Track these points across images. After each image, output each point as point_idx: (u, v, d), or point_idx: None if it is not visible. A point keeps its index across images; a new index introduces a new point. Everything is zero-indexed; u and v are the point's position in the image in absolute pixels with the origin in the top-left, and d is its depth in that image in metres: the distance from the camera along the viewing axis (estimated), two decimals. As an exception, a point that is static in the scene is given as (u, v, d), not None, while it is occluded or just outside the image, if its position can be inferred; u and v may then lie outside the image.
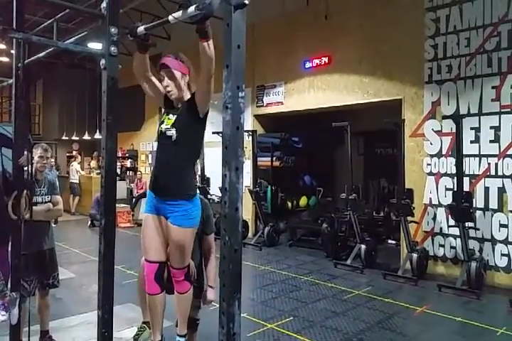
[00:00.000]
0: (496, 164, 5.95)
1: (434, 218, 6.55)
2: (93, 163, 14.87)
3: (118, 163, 12.30)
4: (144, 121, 13.50)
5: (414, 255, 6.19)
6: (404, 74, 6.93)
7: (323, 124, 8.14)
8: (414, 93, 6.81)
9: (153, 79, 2.86)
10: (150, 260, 2.83)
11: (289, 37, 8.77)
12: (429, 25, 6.63)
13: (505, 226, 5.86)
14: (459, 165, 5.74)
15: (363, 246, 6.81)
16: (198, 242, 3.11)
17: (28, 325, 2.83)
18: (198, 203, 2.86)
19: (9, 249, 3.15)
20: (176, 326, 3.00)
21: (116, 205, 2.30)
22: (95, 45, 9.38)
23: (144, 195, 12.12)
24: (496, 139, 5.95)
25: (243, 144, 1.59)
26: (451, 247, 6.37)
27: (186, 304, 2.92)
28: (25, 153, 2.91)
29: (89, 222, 10.77)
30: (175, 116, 2.80)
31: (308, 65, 8.42)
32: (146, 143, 13.50)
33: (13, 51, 2.92)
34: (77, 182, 12.87)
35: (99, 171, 13.18)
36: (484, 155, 6.06)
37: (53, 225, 3.98)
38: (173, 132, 2.73)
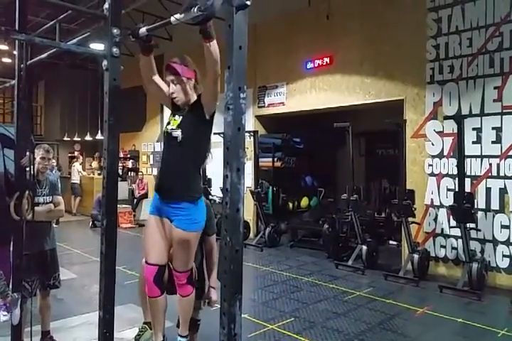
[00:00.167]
0: (498, 165, 5.94)
1: (436, 219, 6.54)
2: (94, 164, 14.89)
3: (119, 164, 12.31)
4: (146, 121, 13.51)
5: (416, 256, 6.19)
6: (405, 75, 6.93)
7: (324, 125, 8.15)
8: (416, 93, 6.81)
9: (160, 82, 2.85)
10: (150, 262, 2.80)
11: (290, 37, 8.77)
12: (431, 25, 6.62)
13: (507, 227, 5.85)
14: (461, 165, 5.74)
15: (364, 247, 6.81)
16: (200, 243, 3.11)
17: (30, 325, 2.83)
18: (203, 206, 2.83)
19: (11, 249, 3.16)
20: (178, 326, 3.00)
21: (118, 206, 2.30)
22: (97, 46, 9.38)
23: (145, 196, 12.15)
24: (498, 140, 5.94)
25: (244, 145, 1.59)
26: (453, 248, 6.36)
27: (189, 307, 2.92)
28: (27, 153, 2.92)
29: (91, 223, 10.79)
30: (181, 117, 2.78)
31: (309, 65, 8.42)
32: (147, 143, 13.51)
33: (15, 52, 2.92)
34: (78, 182, 12.89)
35: (100, 172, 13.21)
36: (486, 156, 6.05)
37: (55, 226, 3.99)
38: (178, 133, 2.71)
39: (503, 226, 5.89)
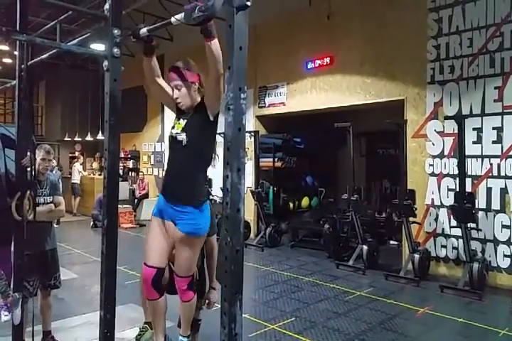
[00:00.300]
0: (499, 165, 5.94)
1: (436, 219, 6.54)
2: (95, 164, 14.90)
3: (120, 164, 12.31)
4: (146, 122, 13.52)
5: (416, 256, 6.19)
6: (406, 75, 6.93)
7: (325, 125, 8.15)
8: (417, 94, 6.81)
9: (164, 84, 2.84)
10: (149, 264, 2.77)
11: (291, 37, 8.77)
12: (431, 25, 6.62)
13: (508, 227, 5.85)
14: (462, 165, 5.73)
15: (365, 247, 6.81)
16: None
17: (32, 325, 2.84)
18: (208, 210, 2.81)
19: (12, 249, 3.16)
20: (179, 326, 3.00)
21: (119, 206, 2.30)
22: (98, 47, 9.39)
23: (146, 196, 12.15)
24: (499, 140, 5.94)
25: (245, 145, 1.59)
26: (454, 248, 6.36)
27: (190, 311, 2.91)
28: (28, 154, 2.92)
29: (92, 223, 10.79)
30: (185, 120, 2.77)
31: (310, 65, 8.42)
32: (148, 143, 13.52)
33: (16, 52, 2.93)
34: (79, 182, 12.89)
35: (100, 172, 13.23)
36: (487, 156, 6.05)
37: (56, 226, 3.99)
38: (183, 136, 2.69)
39: (503, 226, 5.89)
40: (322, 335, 4.25)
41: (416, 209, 6.29)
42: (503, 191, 5.91)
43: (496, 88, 5.99)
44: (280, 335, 4.23)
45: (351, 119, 7.27)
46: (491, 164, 6.01)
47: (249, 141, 8.81)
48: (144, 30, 2.32)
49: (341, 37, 7.88)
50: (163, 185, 2.89)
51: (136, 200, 12.16)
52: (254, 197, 8.65)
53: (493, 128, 5.99)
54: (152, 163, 13.36)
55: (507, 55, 5.89)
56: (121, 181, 12.23)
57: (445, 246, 6.46)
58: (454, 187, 6.25)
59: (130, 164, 14.10)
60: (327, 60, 8.13)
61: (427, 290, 5.81)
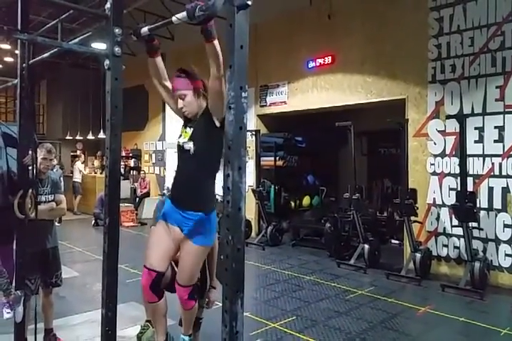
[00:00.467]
0: (500, 164, 5.94)
1: (438, 218, 6.54)
2: (96, 163, 14.91)
3: (122, 163, 12.32)
4: (148, 120, 13.53)
5: (418, 255, 6.18)
6: (407, 74, 6.92)
7: (326, 124, 8.15)
8: (418, 93, 6.80)
9: (171, 88, 2.81)
10: (148, 267, 2.72)
11: (292, 36, 8.77)
12: (432, 24, 6.61)
13: (510, 226, 5.85)
14: (463, 165, 5.73)
15: (366, 246, 6.81)
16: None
17: (34, 323, 2.85)
18: (215, 219, 2.78)
19: (13, 247, 3.18)
20: (180, 325, 3.01)
21: (120, 204, 2.30)
22: (99, 46, 9.40)
23: (147, 195, 12.17)
24: (500, 139, 5.94)
25: (246, 144, 1.60)
26: (455, 247, 6.36)
27: (192, 317, 2.90)
28: (30, 152, 2.93)
29: (93, 221, 10.81)
30: (192, 128, 2.74)
31: (311, 64, 8.42)
32: (149, 142, 13.53)
33: (17, 51, 2.93)
34: (79, 181, 12.91)
35: (102, 170, 13.25)
36: (488, 155, 6.04)
37: (57, 224, 4.00)
38: (190, 145, 2.67)
39: (505, 226, 5.89)
40: (323, 334, 4.26)
41: (417, 208, 6.29)
42: (505, 190, 5.90)
43: (497, 87, 5.99)
44: (281, 334, 4.24)
45: (352, 118, 7.28)
46: (493, 163, 6.00)
47: (251, 140, 8.82)
48: (144, 29, 2.33)
49: (342, 36, 7.87)
50: (171, 191, 2.87)
51: (137, 199, 12.17)
52: (255, 196, 8.65)
53: (495, 128, 5.99)
54: (153, 161, 13.37)
55: (508, 54, 5.89)
56: (123, 180, 12.26)
57: (446, 246, 6.46)
58: (455, 187, 6.25)
59: (131, 163, 14.12)
60: (328, 59, 8.12)
61: (429, 290, 5.81)
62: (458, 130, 5.85)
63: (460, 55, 6.34)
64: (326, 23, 8.05)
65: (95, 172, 13.85)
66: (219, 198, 7.60)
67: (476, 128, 6.13)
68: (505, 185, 5.90)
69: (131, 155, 14.16)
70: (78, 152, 15.93)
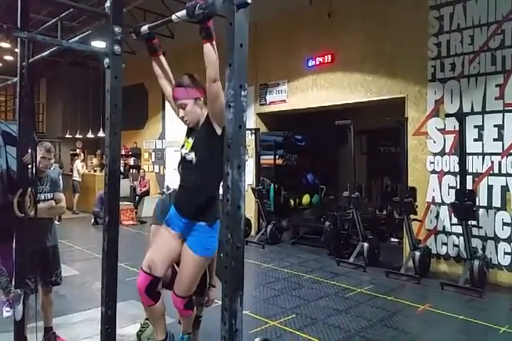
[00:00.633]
0: (500, 162, 5.94)
1: (437, 216, 6.55)
2: (95, 161, 14.91)
3: (121, 161, 12.31)
4: (148, 119, 13.52)
5: (417, 253, 6.19)
6: (407, 73, 6.92)
7: (326, 123, 8.15)
8: (418, 91, 6.80)
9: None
10: (145, 271, 2.68)
11: (292, 35, 8.76)
12: (432, 23, 6.61)
13: (509, 224, 5.86)
14: (462, 163, 5.74)
15: (366, 244, 6.82)
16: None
17: (35, 321, 2.86)
18: (219, 228, 2.70)
19: (13, 245, 3.18)
20: (179, 323, 3.01)
21: (120, 203, 2.30)
22: (99, 44, 9.39)
23: (147, 193, 12.17)
24: (500, 137, 5.94)
25: (246, 142, 1.60)
26: (454, 245, 6.37)
27: (190, 321, 2.91)
28: (29, 151, 2.93)
29: (93, 220, 10.82)
30: (193, 138, 2.70)
31: (311, 63, 8.41)
32: (149, 141, 13.52)
33: (17, 50, 2.93)
34: (78, 180, 12.90)
35: (100, 169, 13.25)
36: (487, 154, 6.05)
37: (57, 223, 4.00)
38: (192, 156, 2.64)
39: (504, 224, 5.89)
40: (323, 332, 4.27)
41: (417, 206, 6.30)
42: (504, 188, 5.91)
43: (497, 86, 5.99)
44: (281, 332, 4.25)
45: (352, 117, 7.28)
46: (492, 162, 6.01)
47: (250, 139, 8.82)
48: (144, 28, 2.33)
49: (342, 35, 7.87)
50: (175, 198, 2.84)
51: (137, 197, 12.17)
52: (255, 195, 8.66)
53: (494, 126, 5.99)
54: (153, 160, 13.37)
55: (508, 53, 5.88)
56: (123, 178, 12.25)
57: (446, 244, 6.47)
58: (454, 185, 6.25)
59: (131, 161, 14.10)
60: (328, 57, 8.12)
61: (428, 288, 5.82)
62: (457, 128, 5.85)
63: (460, 54, 6.34)
64: (326, 21, 8.04)
65: (94, 171, 13.84)
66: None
67: (475, 127, 6.13)
68: (505, 184, 5.90)
69: (130, 153, 14.13)
70: (78, 150, 15.91)
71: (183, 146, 2.75)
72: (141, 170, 13.00)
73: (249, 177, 8.98)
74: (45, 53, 2.62)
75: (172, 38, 11.39)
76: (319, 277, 6.25)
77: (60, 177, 3.98)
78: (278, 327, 4.37)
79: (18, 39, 2.89)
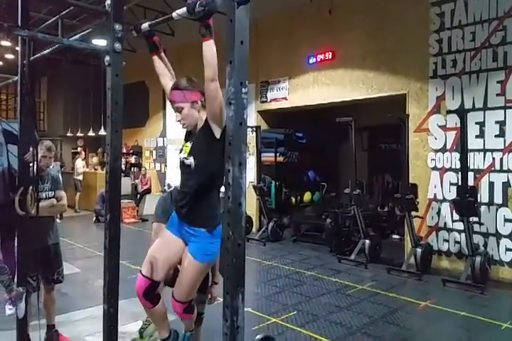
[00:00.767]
0: (501, 159, 5.93)
1: (439, 213, 6.55)
2: (94, 159, 14.90)
3: (122, 159, 12.32)
4: (149, 117, 13.52)
5: (419, 250, 6.19)
6: (408, 69, 6.91)
7: (327, 120, 8.15)
8: (419, 88, 6.79)
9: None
10: (144, 274, 2.62)
11: (292, 32, 8.74)
12: (433, 19, 6.59)
13: (510, 220, 5.85)
14: (464, 159, 5.73)
15: (367, 241, 6.82)
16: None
17: (37, 319, 2.86)
18: (219, 235, 2.59)
19: (15, 244, 3.19)
20: (182, 320, 3.02)
21: (121, 201, 2.30)
22: (99, 42, 9.38)
23: (148, 191, 12.17)
24: (501, 134, 5.93)
25: (247, 140, 1.60)
26: (456, 242, 6.37)
27: (191, 322, 2.90)
28: (31, 149, 2.93)
29: (94, 218, 10.83)
30: (191, 142, 2.64)
31: (312, 60, 8.40)
32: (150, 139, 13.52)
33: (18, 48, 2.93)
34: (79, 178, 12.90)
35: (100, 167, 13.26)
36: (489, 150, 6.04)
37: (58, 221, 4.00)
38: (191, 161, 2.57)
39: (506, 220, 5.89)
40: (324, 328, 4.27)
41: (418, 203, 6.30)
42: (506, 185, 5.90)
43: (498, 82, 5.97)
44: (282, 328, 4.26)
45: (353, 114, 7.27)
46: (494, 158, 6.00)
47: (251, 136, 8.81)
48: (145, 25, 2.33)
49: (343, 31, 7.85)
50: (176, 203, 2.78)
51: (138, 195, 12.19)
52: (256, 192, 8.66)
53: (496, 122, 5.98)
54: (154, 158, 13.37)
55: (510, 49, 5.87)
56: (124, 176, 12.26)
57: (447, 240, 6.47)
58: (456, 181, 6.24)
59: (132, 159, 14.12)
60: (329, 54, 8.10)
61: (429, 284, 5.83)
62: (459, 125, 5.84)
63: (461, 50, 6.32)
64: (327, 18, 8.03)
65: (95, 169, 13.85)
66: (220, 194, 7.51)
67: (476, 123, 6.12)
68: (506, 180, 5.90)
69: (132, 151, 14.15)
70: (79, 149, 15.92)
71: (181, 151, 2.68)
72: (143, 168, 13.01)
73: (251, 174, 8.98)
74: (46, 51, 2.62)
75: (172, 36, 11.37)
76: (321, 274, 6.25)
77: (60, 174, 3.98)
78: (280, 323, 4.38)
79: (19, 37, 2.89)
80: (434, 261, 6.48)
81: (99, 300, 2.31)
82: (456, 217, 6.02)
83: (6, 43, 12.46)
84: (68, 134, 15.49)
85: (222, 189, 1.66)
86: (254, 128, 8.83)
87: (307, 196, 10.10)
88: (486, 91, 6.08)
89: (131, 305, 4.48)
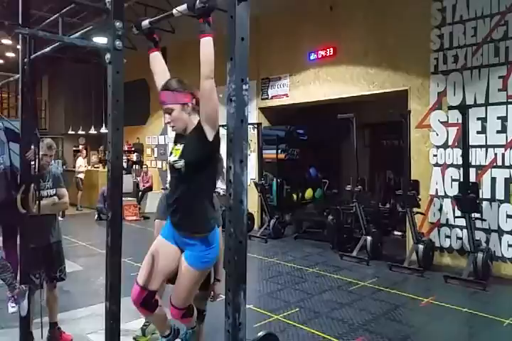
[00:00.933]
0: (503, 154, 5.92)
1: (441, 209, 6.54)
2: (94, 157, 14.91)
3: (124, 157, 12.32)
4: (150, 115, 13.51)
5: (421, 246, 6.19)
6: (410, 65, 6.89)
7: (328, 116, 8.12)
8: (420, 84, 6.77)
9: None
10: (140, 284, 2.58)
11: (293, 28, 8.71)
12: (435, 15, 6.56)
13: (512, 217, 5.85)
14: (466, 155, 5.72)
15: (369, 238, 6.81)
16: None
17: (40, 316, 2.87)
18: (216, 239, 2.62)
19: (17, 242, 3.19)
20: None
21: (123, 199, 2.30)
22: (100, 40, 9.36)
23: (150, 189, 12.18)
24: (503, 129, 5.91)
25: (248, 137, 1.60)
26: (458, 238, 6.36)
27: (191, 323, 2.89)
28: (32, 147, 2.93)
29: (96, 216, 10.85)
30: (182, 145, 2.52)
31: (313, 56, 8.38)
32: (151, 137, 13.52)
33: (19, 46, 2.93)
34: (80, 177, 12.91)
35: (101, 165, 13.27)
36: (491, 146, 6.02)
37: (60, 219, 4.01)
38: (181, 164, 2.44)
39: (508, 216, 5.88)
40: (326, 325, 4.28)
41: (420, 199, 6.29)
42: (508, 181, 5.89)
43: (500, 77, 5.95)
44: (284, 325, 4.27)
45: (354, 110, 7.25)
46: (495, 154, 5.98)
47: (252, 133, 8.81)
48: (145, 22, 2.32)
49: (344, 28, 7.82)
50: (168, 207, 2.69)
51: (140, 193, 12.20)
52: (257, 189, 8.67)
53: (498, 118, 5.96)
54: (156, 155, 13.37)
55: (511, 44, 5.84)
56: (125, 174, 12.26)
57: (449, 237, 6.46)
58: (458, 178, 6.23)
59: (134, 157, 14.12)
60: (330, 51, 8.08)
61: (431, 281, 5.83)
62: (460, 121, 5.83)
63: (463, 46, 6.30)
64: (328, 14, 8.00)
65: (96, 168, 13.86)
66: (221, 191, 7.46)
67: (478, 119, 6.10)
68: (508, 176, 5.88)
69: (133, 149, 14.16)
70: (80, 147, 15.93)
71: (171, 154, 2.56)
72: (144, 166, 13.03)
73: (252, 172, 8.98)
74: (47, 49, 2.62)
75: (173, 33, 11.34)
76: (322, 271, 6.26)
77: (60, 168, 3.97)
78: (282, 320, 4.38)
79: (20, 35, 2.89)
80: (436, 258, 6.48)
81: (101, 297, 2.31)
82: (458, 213, 6.02)
83: (7, 41, 12.46)
84: (70, 132, 15.49)
85: (222, 187, 1.66)
86: (256, 125, 8.82)
87: (309, 193, 10.09)
88: (487, 86, 6.06)
89: (134, 302, 4.50)
